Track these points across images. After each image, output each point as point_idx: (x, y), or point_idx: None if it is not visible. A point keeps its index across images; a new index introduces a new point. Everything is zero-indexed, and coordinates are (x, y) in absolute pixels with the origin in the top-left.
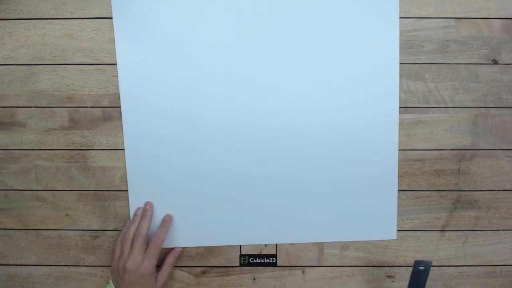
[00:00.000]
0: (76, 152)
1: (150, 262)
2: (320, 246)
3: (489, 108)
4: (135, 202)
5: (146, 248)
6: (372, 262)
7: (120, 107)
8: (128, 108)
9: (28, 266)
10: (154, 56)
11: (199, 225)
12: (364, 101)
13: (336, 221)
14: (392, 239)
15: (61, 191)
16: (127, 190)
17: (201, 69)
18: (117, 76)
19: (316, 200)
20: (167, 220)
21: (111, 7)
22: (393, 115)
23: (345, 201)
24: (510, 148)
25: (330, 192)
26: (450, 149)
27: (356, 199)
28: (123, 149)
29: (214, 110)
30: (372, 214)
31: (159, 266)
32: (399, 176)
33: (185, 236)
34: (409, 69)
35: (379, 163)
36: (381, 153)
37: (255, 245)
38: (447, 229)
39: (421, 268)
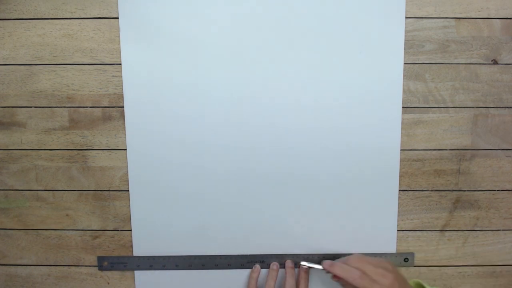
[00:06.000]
0: (76, 152)
1: None
2: None
3: (489, 108)
4: (136, 202)
5: None
6: None
7: (121, 107)
8: (131, 107)
9: (28, 266)
10: (158, 57)
11: (200, 228)
12: (366, 101)
13: (337, 230)
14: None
15: (61, 191)
16: (127, 190)
17: (205, 70)
18: (117, 76)
19: (316, 205)
20: (305, 272)
21: (111, 7)
22: (396, 115)
23: (346, 207)
24: (510, 148)
25: (330, 195)
26: (450, 149)
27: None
28: (123, 149)
29: (217, 111)
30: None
31: None
32: (399, 176)
33: (185, 240)
34: (409, 69)
35: (381, 165)
36: (383, 153)
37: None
38: (447, 229)
39: None
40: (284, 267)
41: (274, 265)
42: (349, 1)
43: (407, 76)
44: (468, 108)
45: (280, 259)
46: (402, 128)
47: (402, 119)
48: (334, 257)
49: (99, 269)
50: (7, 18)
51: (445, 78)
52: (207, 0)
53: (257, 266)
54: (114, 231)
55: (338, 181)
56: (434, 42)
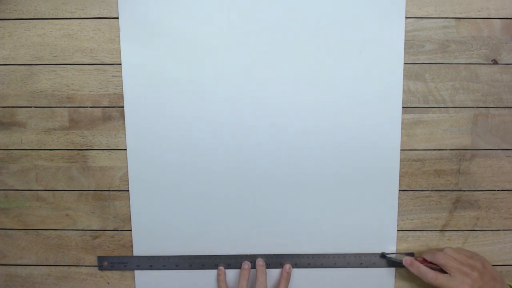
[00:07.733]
0: (76, 152)
1: None
2: None
3: (489, 108)
4: (135, 202)
5: None
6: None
7: (121, 107)
8: (131, 107)
9: (28, 266)
10: (158, 57)
11: (200, 228)
12: (366, 101)
13: (335, 229)
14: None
15: (61, 191)
16: (127, 190)
17: (205, 70)
18: (117, 76)
19: (316, 205)
20: (288, 272)
21: (111, 7)
22: (396, 115)
23: (346, 206)
24: (510, 148)
25: (330, 195)
26: (450, 149)
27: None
28: (123, 149)
29: (217, 111)
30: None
31: None
32: (399, 176)
33: (185, 240)
34: (409, 69)
35: (381, 165)
36: (383, 153)
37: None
38: (447, 229)
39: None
40: (275, 268)
41: (246, 264)
42: (349, 1)
43: (407, 76)
44: (468, 108)
45: (280, 259)
46: (402, 128)
47: (402, 119)
48: (334, 257)
49: (99, 269)
50: (7, 18)
51: (445, 78)
52: (207, 0)
53: (222, 268)
54: (114, 231)
55: (338, 181)
56: (434, 42)
